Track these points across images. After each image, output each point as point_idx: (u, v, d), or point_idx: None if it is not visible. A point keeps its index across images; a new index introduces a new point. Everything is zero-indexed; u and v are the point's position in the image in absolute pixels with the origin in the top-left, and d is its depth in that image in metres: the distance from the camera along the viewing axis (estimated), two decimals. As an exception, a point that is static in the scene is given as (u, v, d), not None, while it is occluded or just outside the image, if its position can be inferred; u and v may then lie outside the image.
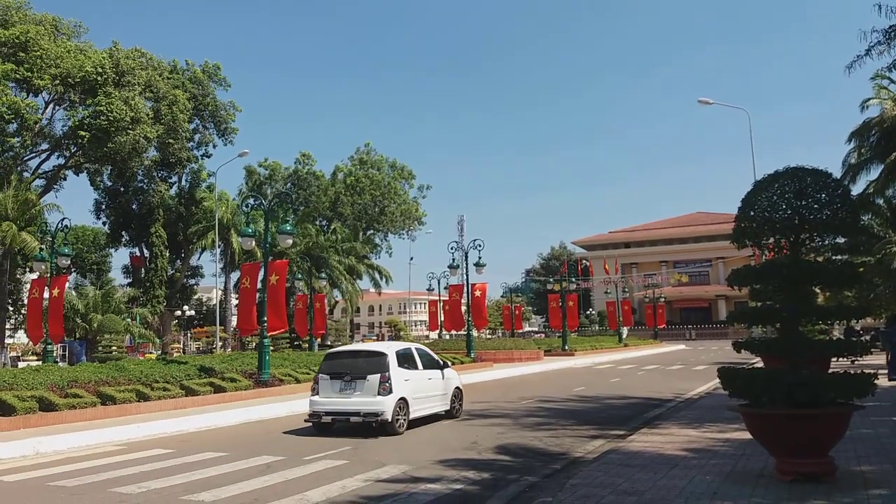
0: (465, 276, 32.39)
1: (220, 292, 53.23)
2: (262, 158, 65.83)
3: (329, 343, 53.20)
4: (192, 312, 65.99)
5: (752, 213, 7.69)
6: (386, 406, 11.99)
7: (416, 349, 14.13)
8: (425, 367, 13.68)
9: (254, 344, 35.39)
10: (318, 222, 60.48)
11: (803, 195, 7.40)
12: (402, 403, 12.37)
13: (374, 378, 12.16)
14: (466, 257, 32.13)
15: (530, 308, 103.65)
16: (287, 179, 64.01)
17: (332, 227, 58.88)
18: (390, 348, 13.24)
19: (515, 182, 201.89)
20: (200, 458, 10.11)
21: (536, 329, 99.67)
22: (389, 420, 11.98)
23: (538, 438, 11.46)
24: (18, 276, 50.02)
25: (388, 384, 12.15)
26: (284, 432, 12.74)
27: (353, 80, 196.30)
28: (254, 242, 21.90)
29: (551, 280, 50.77)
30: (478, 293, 32.90)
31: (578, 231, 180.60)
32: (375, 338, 77.75)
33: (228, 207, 50.26)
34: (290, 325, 29.89)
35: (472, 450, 10.47)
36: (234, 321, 55.26)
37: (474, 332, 33.37)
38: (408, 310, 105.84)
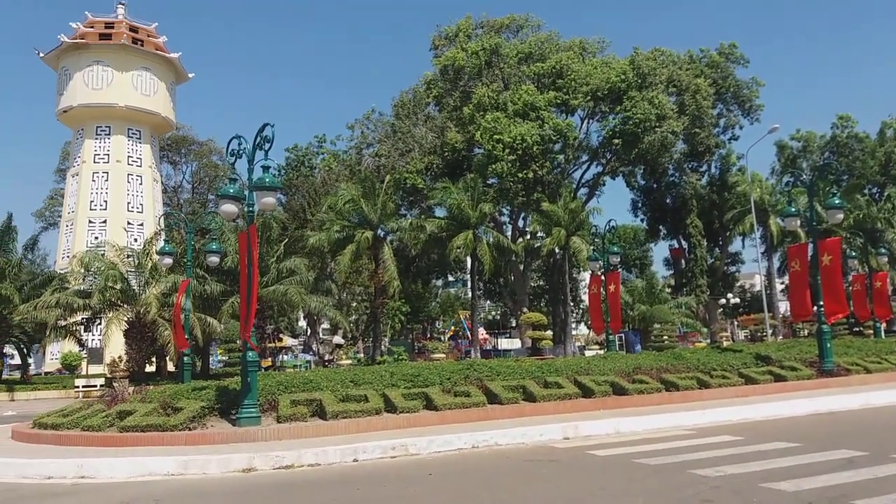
0: None
1: (762, 277, 51.31)
2: (794, 130, 61.24)
3: (898, 328, 45.83)
4: (737, 300, 65.16)
5: None
6: None
7: None
8: None
9: (806, 331, 32.88)
10: (866, 190, 53.08)
11: None
12: None
13: None
14: None
15: None
16: (824, 149, 58.06)
17: (886, 193, 50.91)
18: None
19: None
20: (771, 447, 9.73)
21: None
22: None
23: None
24: (574, 276, 57.28)
25: None
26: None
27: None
28: (798, 222, 20.36)
29: None
30: None
31: None
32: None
33: (763, 188, 48.29)
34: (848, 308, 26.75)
35: None
36: (780, 307, 52.57)
37: None
38: None
